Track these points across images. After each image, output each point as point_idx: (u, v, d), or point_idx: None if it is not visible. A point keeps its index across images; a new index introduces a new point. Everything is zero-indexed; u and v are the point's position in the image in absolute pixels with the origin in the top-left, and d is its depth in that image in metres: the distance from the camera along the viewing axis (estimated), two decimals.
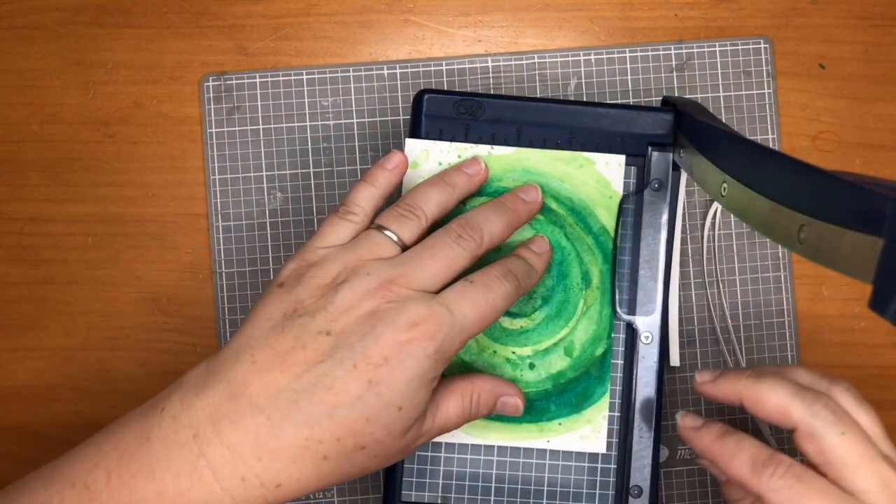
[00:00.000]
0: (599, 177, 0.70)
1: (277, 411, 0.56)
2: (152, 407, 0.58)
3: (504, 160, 0.70)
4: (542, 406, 0.71)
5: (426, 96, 0.70)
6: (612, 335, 0.71)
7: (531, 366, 0.71)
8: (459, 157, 0.70)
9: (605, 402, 0.71)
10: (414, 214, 0.64)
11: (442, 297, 0.60)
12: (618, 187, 0.71)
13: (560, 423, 0.71)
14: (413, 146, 0.70)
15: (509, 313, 0.71)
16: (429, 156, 0.70)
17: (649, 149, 0.70)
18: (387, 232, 0.62)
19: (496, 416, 0.69)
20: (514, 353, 0.71)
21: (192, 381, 0.58)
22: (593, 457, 0.71)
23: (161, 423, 0.57)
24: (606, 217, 0.71)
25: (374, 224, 0.63)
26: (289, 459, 0.56)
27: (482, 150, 0.70)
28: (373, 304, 0.58)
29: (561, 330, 0.71)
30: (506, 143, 0.70)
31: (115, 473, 0.56)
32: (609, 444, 0.71)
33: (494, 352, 0.71)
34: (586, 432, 0.70)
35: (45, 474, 0.58)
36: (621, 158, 0.70)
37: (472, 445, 0.71)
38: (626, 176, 0.71)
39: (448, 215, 0.67)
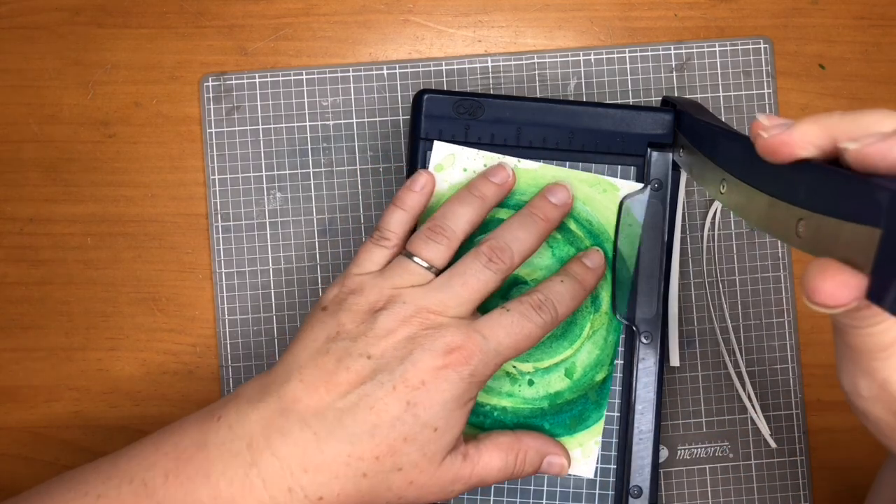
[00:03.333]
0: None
1: (323, 428, 0.60)
2: (209, 414, 0.62)
3: (528, 175, 0.70)
4: (535, 423, 0.71)
5: (426, 96, 0.70)
6: (615, 362, 0.71)
7: (530, 382, 0.71)
8: (485, 165, 0.70)
9: (598, 427, 0.71)
10: (444, 236, 0.65)
11: (477, 323, 0.63)
12: (639, 216, 0.71)
13: None
14: (440, 149, 0.70)
15: None
16: (454, 161, 0.70)
17: (649, 149, 0.70)
18: (417, 260, 0.65)
19: (490, 426, 0.70)
20: (514, 367, 0.71)
21: (247, 394, 0.62)
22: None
23: (218, 431, 0.61)
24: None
25: (405, 250, 0.66)
26: (331, 474, 0.60)
27: (509, 161, 0.70)
28: (410, 330, 0.62)
29: (564, 351, 0.71)
30: (505, 143, 0.70)
31: (172, 474, 0.59)
32: (608, 457, 0.71)
33: None
34: (576, 455, 0.71)
35: (103, 468, 0.61)
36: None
37: None
38: (625, 176, 0.71)
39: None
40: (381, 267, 0.66)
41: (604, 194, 0.71)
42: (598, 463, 0.71)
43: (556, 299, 0.65)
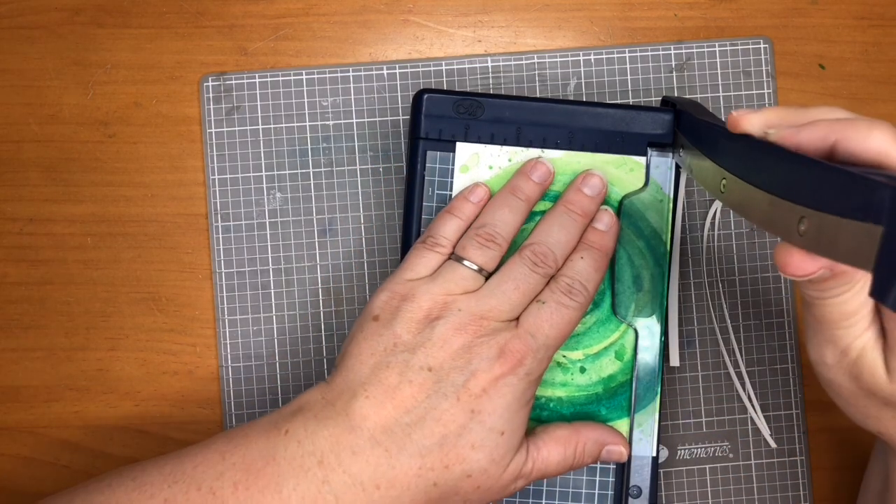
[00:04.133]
0: (653, 180, 0.70)
1: (394, 444, 0.61)
2: (275, 427, 0.62)
3: (555, 164, 0.70)
4: (593, 409, 0.71)
5: (426, 96, 0.70)
6: (664, 338, 0.71)
7: (582, 369, 0.71)
8: (510, 160, 0.70)
9: (655, 404, 0.71)
10: (495, 243, 0.66)
11: (524, 324, 0.64)
12: (667, 190, 0.71)
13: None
14: (463, 150, 0.70)
15: None
16: (479, 160, 0.70)
17: (649, 149, 0.70)
18: (469, 263, 0.65)
19: (546, 419, 0.70)
20: (564, 356, 0.71)
21: (312, 408, 0.63)
22: None
23: (287, 446, 0.61)
24: (657, 220, 0.71)
25: (455, 255, 0.66)
26: (403, 488, 0.61)
27: (533, 153, 0.70)
28: (465, 338, 0.63)
29: (612, 334, 0.71)
30: (505, 142, 0.70)
31: (241, 485, 0.60)
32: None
33: None
34: (637, 435, 0.70)
35: (167, 470, 0.61)
36: (670, 161, 0.70)
37: None
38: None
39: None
40: (432, 272, 0.66)
41: (631, 173, 0.71)
42: (658, 440, 0.71)
43: (582, 278, 0.66)
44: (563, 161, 0.70)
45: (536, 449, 0.65)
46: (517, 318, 0.64)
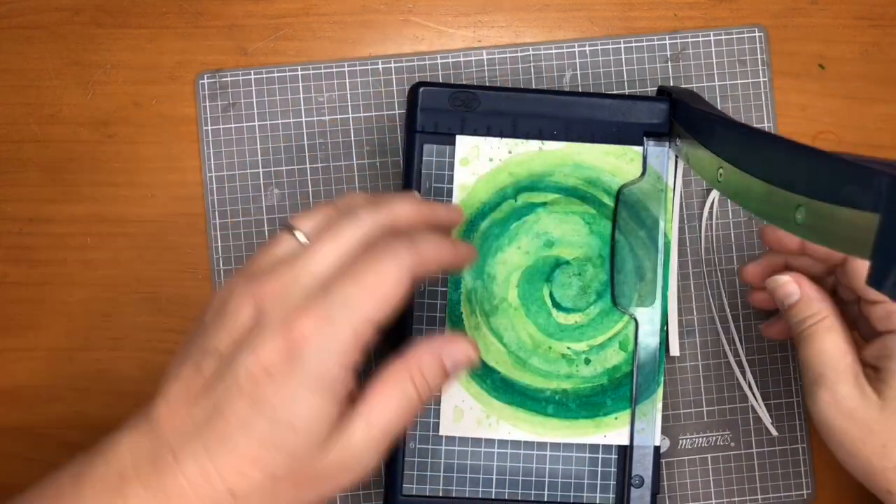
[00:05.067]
0: (650, 170, 0.71)
1: (183, 449, 0.52)
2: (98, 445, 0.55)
3: (555, 155, 0.71)
4: (598, 401, 0.71)
5: (421, 89, 0.71)
6: (666, 328, 0.71)
7: (587, 361, 0.71)
8: (510, 152, 0.71)
9: (658, 394, 0.71)
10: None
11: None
12: (668, 179, 0.71)
13: (616, 418, 0.71)
14: (463, 143, 0.71)
15: (564, 308, 0.71)
16: (479, 153, 0.71)
17: (645, 138, 0.70)
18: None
19: (552, 412, 0.70)
20: (569, 348, 0.71)
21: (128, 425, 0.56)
22: (594, 447, 0.71)
23: (93, 462, 0.54)
24: (656, 209, 0.71)
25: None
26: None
27: (533, 145, 0.71)
28: None
29: (616, 324, 0.71)
30: (501, 134, 0.70)
31: None
32: (609, 447, 0.71)
33: (549, 347, 0.71)
34: (642, 426, 0.70)
35: None
36: (667, 150, 0.71)
37: (473, 438, 0.71)
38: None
39: None
40: None
41: (631, 163, 0.71)
42: (660, 431, 0.71)
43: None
44: (564, 153, 0.71)
45: (365, 404, 0.54)
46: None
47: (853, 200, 0.41)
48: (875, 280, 0.39)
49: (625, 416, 0.70)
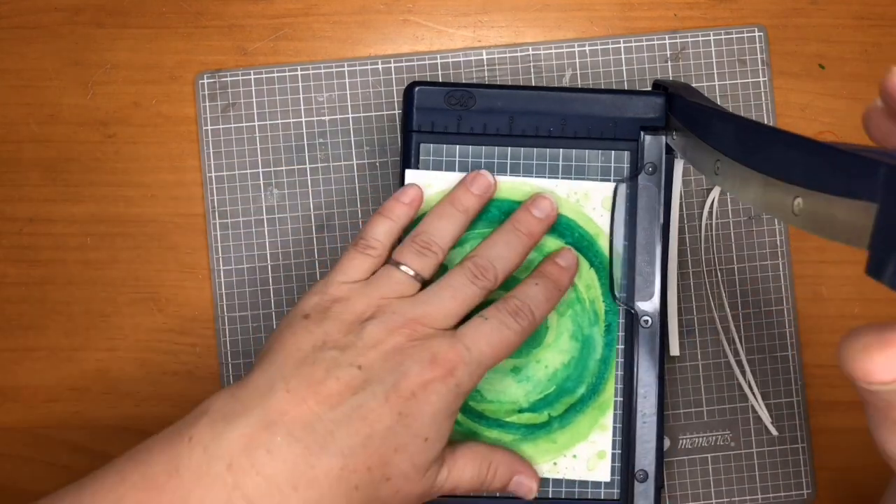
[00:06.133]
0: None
1: (315, 441, 0.57)
2: (178, 435, 0.58)
3: (504, 187, 0.70)
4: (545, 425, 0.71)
5: (417, 88, 0.70)
6: (615, 347, 0.71)
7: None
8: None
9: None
10: (431, 251, 0.65)
11: (461, 335, 0.62)
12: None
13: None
14: (413, 177, 0.70)
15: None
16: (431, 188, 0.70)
17: (642, 133, 0.70)
18: (406, 268, 0.64)
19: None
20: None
21: (220, 409, 0.59)
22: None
23: (191, 454, 0.56)
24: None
25: (392, 260, 0.65)
26: (323, 489, 0.57)
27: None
28: (398, 341, 0.61)
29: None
30: (498, 132, 0.70)
31: None
32: (613, 442, 0.71)
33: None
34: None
35: (67, 502, 0.58)
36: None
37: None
38: (619, 161, 0.71)
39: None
40: (366, 276, 0.65)
41: (593, 211, 0.71)
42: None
43: (532, 303, 0.65)
44: (513, 186, 0.70)
45: (454, 460, 0.64)
46: (454, 329, 0.63)
47: (850, 190, 0.41)
48: (873, 270, 0.39)
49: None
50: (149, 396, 0.79)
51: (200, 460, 0.56)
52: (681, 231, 0.79)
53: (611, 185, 0.70)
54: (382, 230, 0.66)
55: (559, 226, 0.70)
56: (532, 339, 0.70)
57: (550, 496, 0.71)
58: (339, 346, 0.60)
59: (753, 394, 0.78)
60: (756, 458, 0.79)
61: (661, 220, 0.70)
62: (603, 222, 0.70)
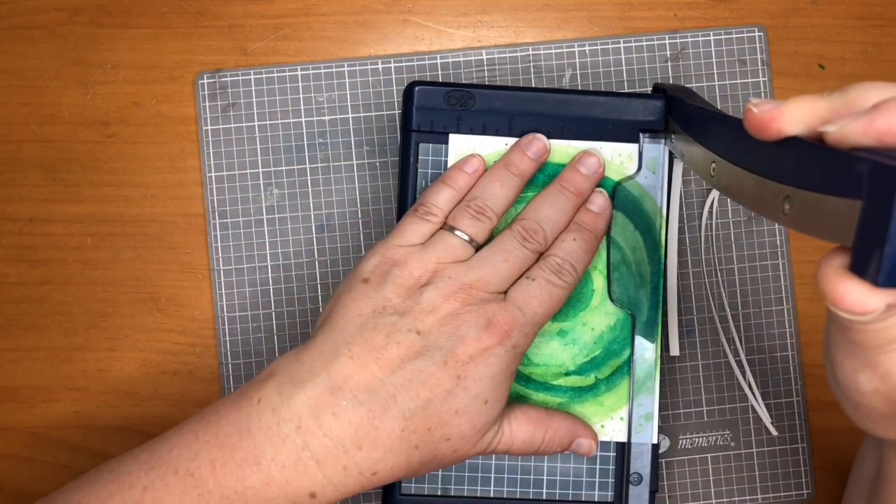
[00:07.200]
0: (643, 166, 0.70)
1: (378, 404, 0.60)
2: (246, 398, 0.61)
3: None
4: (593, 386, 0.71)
5: (416, 88, 0.70)
6: (662, 320, 0.71)
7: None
8: (507, 144, 0.70)
9: (655, 391, 0.71)
10: (485, 216, 0.66)
11: (513, 298, 0.64)
12: (661, 175, 0.70)
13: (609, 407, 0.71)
14: (456, 141, 0.70)
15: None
16: (474, 151, 0.70)
17: (641, 135, 0.70)
18: (461, 233, 0.66)
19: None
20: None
21: (286, 372, 0.61)
22: None
23: (261, 416, 0.59)
24: (651, 205, 0.70)
25: (447, 224, 0.67)
26: (386, 449, 0.60)
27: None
28: (454, 305, 0.62)
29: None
30: (497, 133, 0.70)
31: (219, 462, 0.59)
32: (607, 444, 0.71)
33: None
34: (639, 422, 0.71)
35: (143, 458, 0.60)
36: (663, 147, 0.70)
37: None
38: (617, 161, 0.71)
39: None
40: (423, 240, 0.66)
41: (629, 160, 0.71)
42: (659, 429, 0.71)
43: (572, 259, 0.66)
44: (558, 149, 0.70)
45: (508, 423, 0.66)
46: (505, 292, 0.64)
47: (836, 188, 0.41)
48: (857, 267, 0.40)
49: (620, 410, 0.71)
50: (148, 396, 0.79)
51: (270, 421, 0.59)
52: (681, 231, 0.79)
53: (650, 145, 0.71)
54: (444, 198, 0.67)
55: (606, 188, 0.70)
56: (578, 301, 0.71)
57: (545, 497, 0.71)
58: (399, 311, 0.62)
59: (753, 394, 0.78)
60: (756, 458, 0.79)
61: (661, 221, 0.70)
62: (647, 183, 0.70)
